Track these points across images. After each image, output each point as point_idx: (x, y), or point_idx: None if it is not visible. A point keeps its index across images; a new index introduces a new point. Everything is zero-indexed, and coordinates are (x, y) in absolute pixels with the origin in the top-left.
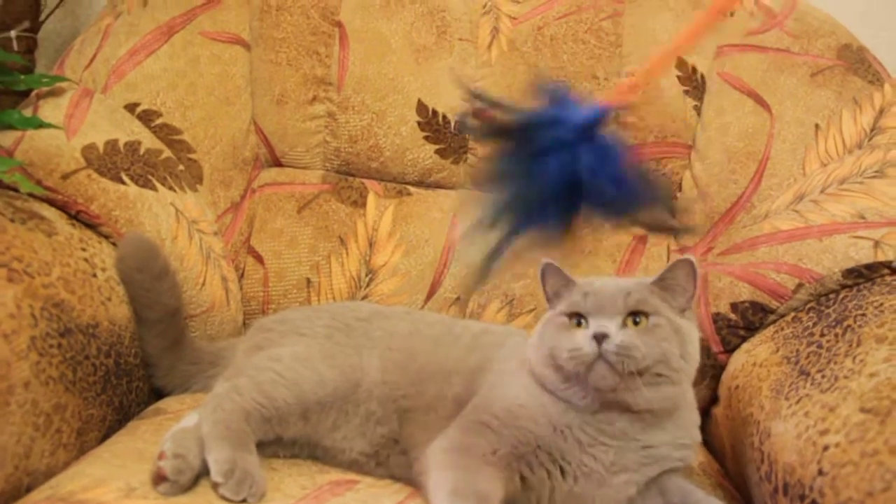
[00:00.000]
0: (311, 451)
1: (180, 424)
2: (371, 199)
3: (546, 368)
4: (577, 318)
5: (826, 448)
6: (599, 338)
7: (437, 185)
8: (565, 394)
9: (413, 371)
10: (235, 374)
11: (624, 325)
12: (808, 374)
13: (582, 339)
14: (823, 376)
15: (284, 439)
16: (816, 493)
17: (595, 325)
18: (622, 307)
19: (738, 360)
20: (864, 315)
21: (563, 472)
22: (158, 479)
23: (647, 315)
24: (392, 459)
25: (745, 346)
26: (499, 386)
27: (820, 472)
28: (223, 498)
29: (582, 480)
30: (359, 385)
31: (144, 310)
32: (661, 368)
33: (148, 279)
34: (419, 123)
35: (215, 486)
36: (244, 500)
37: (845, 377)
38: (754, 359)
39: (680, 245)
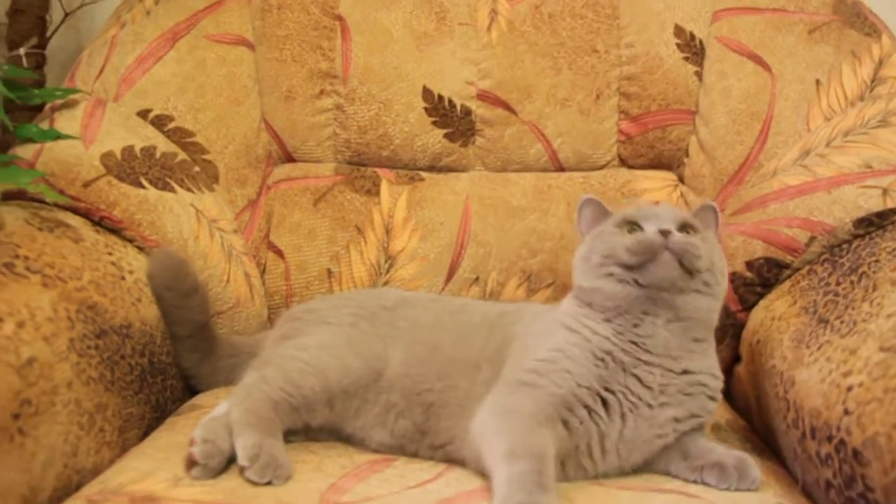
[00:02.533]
0: (337, 438)
1: (211, 414)
2: (384, 186)
3: (596, 276)
4: (632, 225)
5: (850, 389)
6: (664, 233)
7: (449, 169)
8: (615, 289)
9: (439, 364)
10: (263, 364)
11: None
12: (827, 322)
13: (646, 233)
14: (842, 322)
15: (312, 427)
16: (844, 432)
17: (655, 225)
18: (675, 219)
19: (758, 317)
20: (877, 261)
21: (607, 407)
22: (190, 463)
23: (695, 229)
24: (422, 453)
25: (762, 302)
26: (531, 345)
27: (846, 412)
28: (249, 480)
29: (630, 418)
30: (381, 374)
31: (174, 326)
32: (709, 277)
33: (176, 297)
34: (426, 109)
35: (241, 469)
36: (269, 483)
37: (864, 321)
38: (773, 313)
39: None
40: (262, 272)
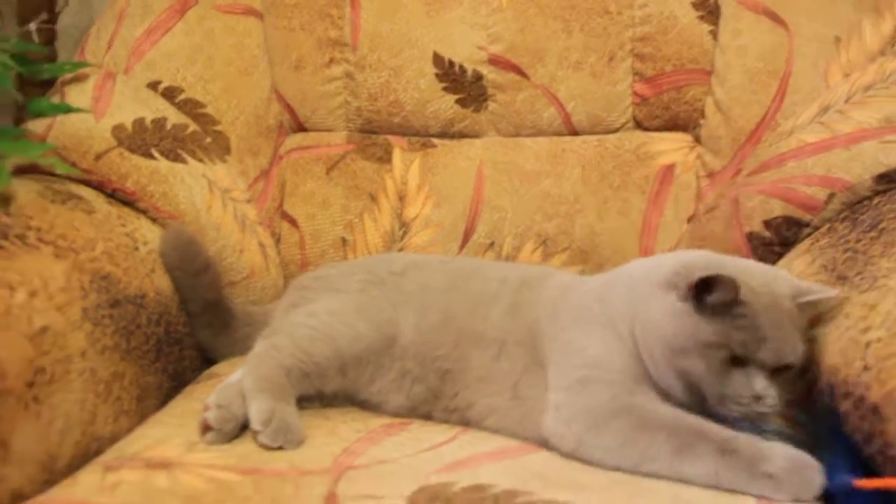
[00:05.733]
0: (352, 404)
1: (226, 381)
2: (396, 154)
3: (673, 378)
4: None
5: (869, 344)
6: (762, 399)
7: (461, 135)
8: (680, 395)
9: (452, 332)
10: (273, 333)
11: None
12: (846, 279)
13: (743, 390)
14: (862, 278)
15: (325, 393)
16: (863, 388)
17: (758, 382)
18: (784, 362)
19: None
20: None
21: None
22: (204, 428)
23: (790, 369)
24: (437, 415)
25: (781, 262)
26: (573, 341)
27: (865, 368)
28: (262, 445)
29: None
30: (394, 340)
31: (187, 303)
32: None
33: (186, 276)
34: (437, 75)
35: (255, 433)
36: (281, 447)
37: (884, 276)
38: (792, 272)
39: (707, 170)
40: (277, 241)
